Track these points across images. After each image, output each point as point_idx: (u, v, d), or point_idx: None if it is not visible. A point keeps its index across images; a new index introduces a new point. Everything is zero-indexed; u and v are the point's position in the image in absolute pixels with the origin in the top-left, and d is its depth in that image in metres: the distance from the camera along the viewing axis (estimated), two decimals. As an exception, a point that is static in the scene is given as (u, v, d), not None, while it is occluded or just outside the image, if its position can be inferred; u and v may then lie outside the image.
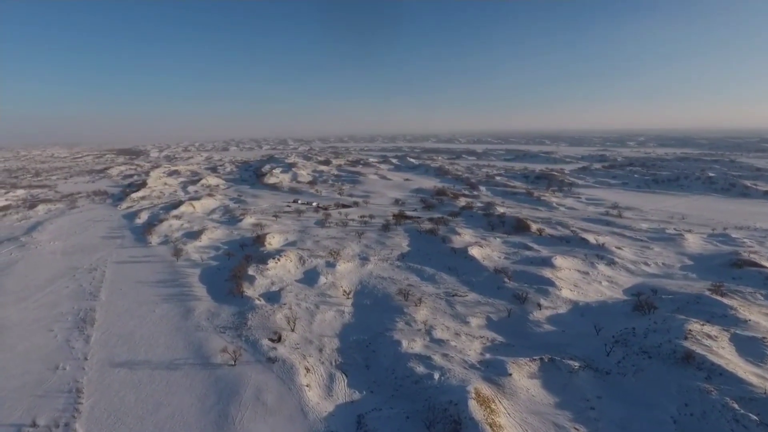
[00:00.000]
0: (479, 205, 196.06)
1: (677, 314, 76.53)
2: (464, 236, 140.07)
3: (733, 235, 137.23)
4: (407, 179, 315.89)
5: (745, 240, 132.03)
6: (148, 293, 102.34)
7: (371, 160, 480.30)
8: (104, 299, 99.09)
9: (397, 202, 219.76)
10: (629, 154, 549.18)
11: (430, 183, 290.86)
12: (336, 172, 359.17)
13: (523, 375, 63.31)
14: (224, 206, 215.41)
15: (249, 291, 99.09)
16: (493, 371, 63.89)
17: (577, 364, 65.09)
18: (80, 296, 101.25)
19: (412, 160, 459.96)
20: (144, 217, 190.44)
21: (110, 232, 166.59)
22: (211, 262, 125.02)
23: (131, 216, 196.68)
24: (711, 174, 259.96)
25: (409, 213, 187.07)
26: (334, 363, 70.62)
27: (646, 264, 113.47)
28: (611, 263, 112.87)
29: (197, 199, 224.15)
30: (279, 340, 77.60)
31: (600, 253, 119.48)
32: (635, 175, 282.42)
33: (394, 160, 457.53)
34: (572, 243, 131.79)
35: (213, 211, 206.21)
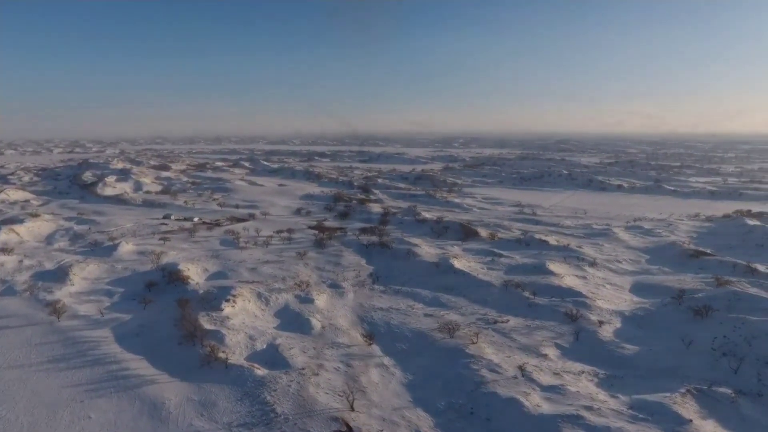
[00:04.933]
0: (396, 210, 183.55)
1: (731, 314, 76.14)
2: (423, 247, 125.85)
3: (645, 226, 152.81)
4: (282, 184, 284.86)
5: (658, 230, 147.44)
6: (50, 384, 61.57)
7: (219, 164, 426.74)
8: (-33, 414, 55.94)
9: (299, 211, 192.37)
10: (465, 154, 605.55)
11: (312, 188, 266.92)
12: (188, 179, 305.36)
13: (695, 416, 52.64)
14: (66, 230, 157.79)
15: (231, 357, 67.64)
16: (664, 419, 51.45)
17: (728, 390, 57.42)
18: None
19: (266, 163, 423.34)
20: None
21: None
22: (120, 315, 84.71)
23: None
24: (565, 171, 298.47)
25: (327, 224, 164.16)
26: (456, 453, 49.39)
27: (618, 262, 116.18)
28: (593, 264, 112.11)
29: (18, 221, 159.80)
30: (349, 429, 52.11)
31: (572, 254, 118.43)
32: (503, 174, 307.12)
33: (247, 164, 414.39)
34: (532, 246, 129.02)
35: (52, 237, 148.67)
